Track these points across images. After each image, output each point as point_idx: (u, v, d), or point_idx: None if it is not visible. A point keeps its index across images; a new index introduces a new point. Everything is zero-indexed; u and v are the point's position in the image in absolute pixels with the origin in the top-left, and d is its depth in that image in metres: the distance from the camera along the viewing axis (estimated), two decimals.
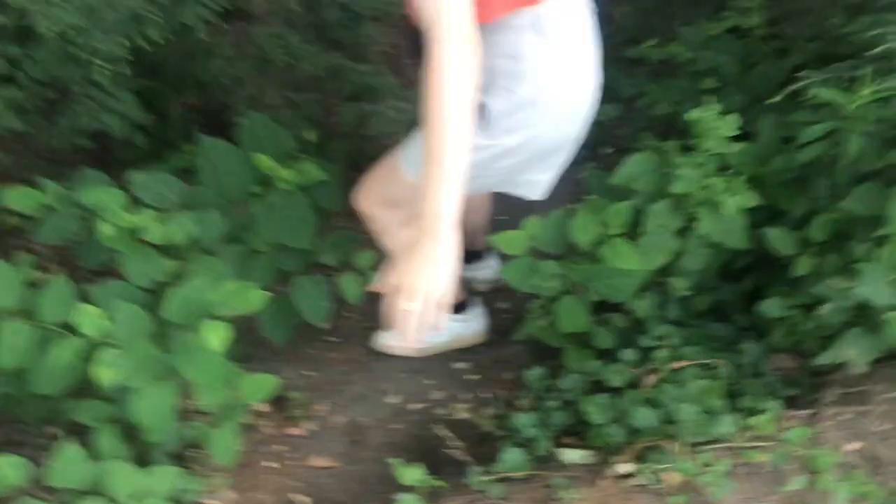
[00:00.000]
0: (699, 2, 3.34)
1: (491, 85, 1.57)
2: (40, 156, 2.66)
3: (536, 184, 1.85)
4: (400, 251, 1.43)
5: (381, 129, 2.51)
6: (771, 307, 1.93)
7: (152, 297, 1.82)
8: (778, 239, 1.91)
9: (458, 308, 2.25)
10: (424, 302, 1.33)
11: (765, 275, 2.08)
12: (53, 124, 2.65)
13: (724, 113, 1.89)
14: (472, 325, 2.32)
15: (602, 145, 2.84)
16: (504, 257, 2.14)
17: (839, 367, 1.90)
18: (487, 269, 2.47)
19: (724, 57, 2.86)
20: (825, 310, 1.79)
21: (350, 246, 2.09)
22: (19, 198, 1.89)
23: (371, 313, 2.30)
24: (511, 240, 2.02)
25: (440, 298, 1.35)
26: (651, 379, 1.88)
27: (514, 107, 1.60)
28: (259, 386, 1.83)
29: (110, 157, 2.55)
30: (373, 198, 1.90)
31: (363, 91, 2.71)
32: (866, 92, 1.75)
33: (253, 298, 1.77)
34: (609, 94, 3.18)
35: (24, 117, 2.58)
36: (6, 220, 2.48)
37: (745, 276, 2.13)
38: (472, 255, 2.39)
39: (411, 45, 1.64)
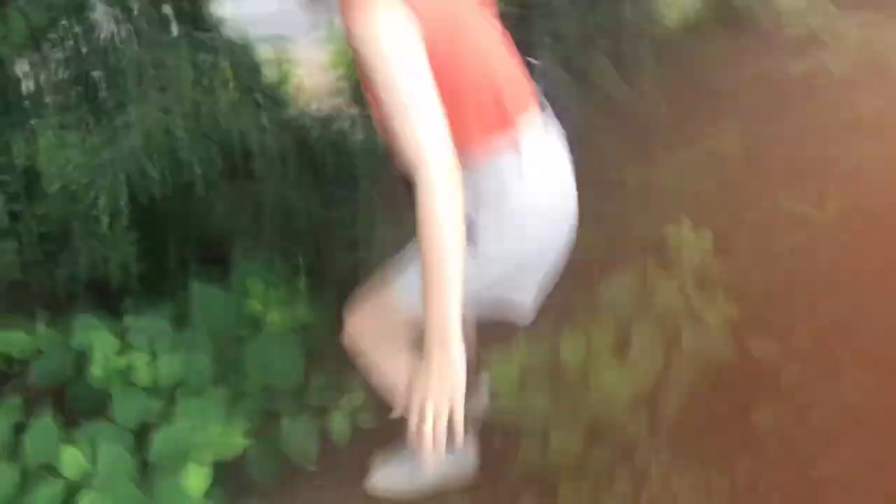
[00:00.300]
0: (678, 127, 3.52)
1: (479, 202, 1.65)
2: (38, 299, 2.72)
3: (523, 305, 1.90)
4: (407, 375, 1.45)
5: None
6: (764, 418, 1.92)
7: (138, 438, 1.82)
8: (762, 349, 1.94)
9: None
10: (449, 412, 1.36)
11: (756, 388, 2.08)
12: (52, 274, 2.73)
13: (698, 229, 1.95)
14: (463, 463, 2.30)
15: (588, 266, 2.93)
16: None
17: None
18: (479, 403, 2.47)
19: (701, 179, 2.98)
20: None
21: (337, 387, 2.11)
22: (11, 341, 1.92)
23: (360, 454, 2.28)
24: (503, 365, 2.04)
25: (460, 407, 1.37)
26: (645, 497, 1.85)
27: (501, 221, 1.69)
28: None
29: (107, 302, 2.60)
30: (365, 333, 1.92)
31: (356, 242, 2.80)
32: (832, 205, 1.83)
33: (236, 442, 1.78)
34: (589, 216, 3.34)
35: (25, 268, 2.67)
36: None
37: (737, 389, 2.12)
38: None
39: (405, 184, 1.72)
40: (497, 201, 1.68)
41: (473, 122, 1.63)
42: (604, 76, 3.27)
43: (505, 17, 1.98)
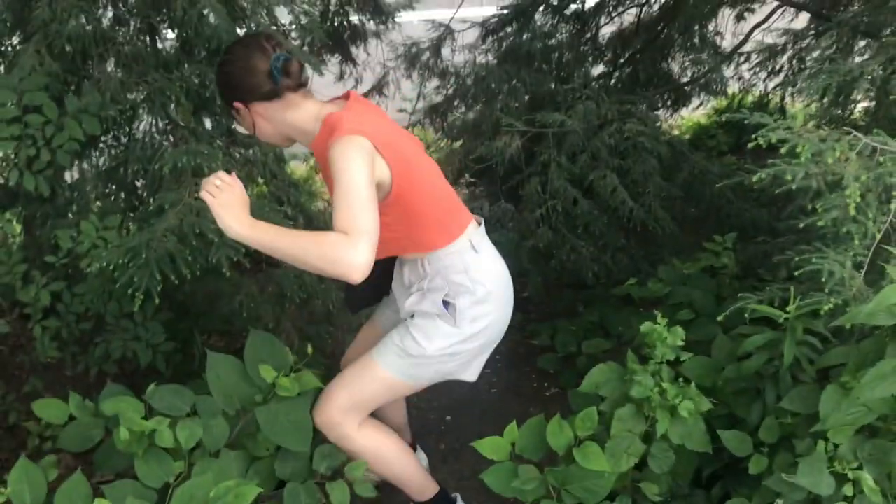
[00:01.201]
0: (679, 246, 3.72)
1: (455, 291, 2.15)
2: (71, 381, 2.92)
3: (475, 368, 2.33)
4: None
5: None
6: None
7: (161, 494, 1.99)
8: (732, 441, 2.09)
9: None
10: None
11: (733, 481, 2.22)
12: (87, 352, 2.95)
13: (672, 325, 2.13)
14: None
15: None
16: (487, 463, 2.30)
17: None
18: (420, 461, 2.68)
19: (698, 292, 3.16)
20: None
21: (341, 456, 2.27)
22: (47, 409, 2.12)
23: None
24: (493, 446, 2.20)
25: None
26: None
27: (476, 301, 2.16)
28: None
29: (134, 383, 2.80)
30: (336, 408, 2.23)
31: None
32: (792, 307, 2.01)
33: (248, 494, 1.93)
34: (602, 331, 3.53)
35: (62, 347, 2.89)
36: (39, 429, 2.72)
37: (715, 483, 2.26)
38: None
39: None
40: (471, 289, 2.15)
41: (435, 231, 2.14)
42: (612, 193, 3.51)
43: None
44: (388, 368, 2.21)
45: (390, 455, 2.32)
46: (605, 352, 3.32)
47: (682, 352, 2.18)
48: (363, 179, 1.87)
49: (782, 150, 1.96)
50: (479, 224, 2.29)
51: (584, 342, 3.45)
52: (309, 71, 3.39)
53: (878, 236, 1.96)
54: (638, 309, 3.47)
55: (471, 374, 2.33)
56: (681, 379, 2.18)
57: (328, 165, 1.93)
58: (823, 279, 1.93)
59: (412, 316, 2.21)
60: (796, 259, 2.06)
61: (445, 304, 2.14)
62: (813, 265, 1.98)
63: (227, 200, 1.96)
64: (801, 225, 2.05)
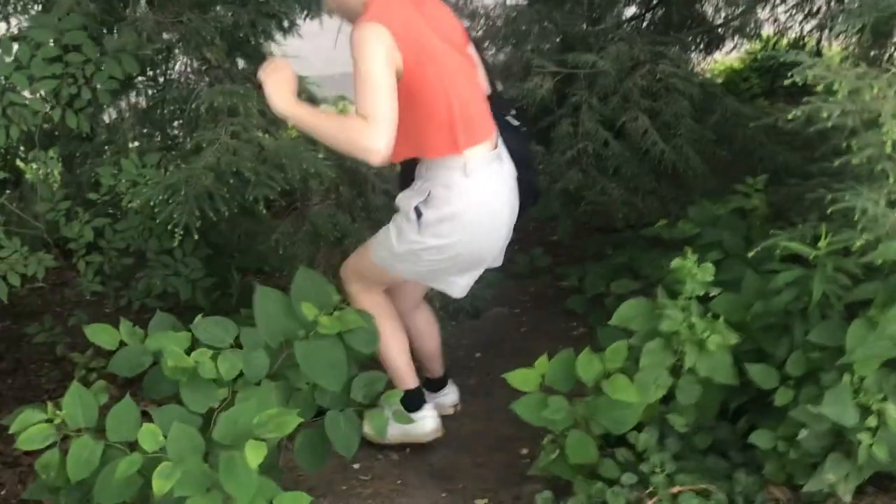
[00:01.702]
0: (710, 189, 3.72)
1: (428, 200, 2.24)
2: (113, 313, 3.00)
3: (454, 284, 2.47)
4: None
5: None
6: (760, 438, 2.11)
7: (205, 419, 2.08)
8: (759, 374, 2.13)
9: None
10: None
11: (758, 414, 2.26)
12: (128, 287, 3.04)
13: (701, 262, 2.16)
14: (424, 425, 2.61)
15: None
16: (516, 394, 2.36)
17: (829, 497, 2.04)
18: (450, 395, 2.86)
19: (727, 233, 3.17)
20: (803, 435, 1.97)
21: (377, 385, 2.34)
22: (99, 333, 2.21)
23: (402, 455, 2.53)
24: (523, 377, 2.26)
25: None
26: (651, 502, 2.04)
27: (441, 218, 2.25)
28: (293, 502, 2.03)
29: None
30: (349, 269, 2.53)
31: None
32: (823, 244, 2.03)
33: (289, 423, 2.01)
34: (630, 273, 3.56)
35: (105, 282, 2.98)
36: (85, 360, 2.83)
37: (741, 416, 2.31)
38: (432, 383, 2.80)
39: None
40: (442, 204, 2.23)
41: (439, 137, 2.19)
42: (644, 135, 3.50)
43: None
44: (373, 253, 2.43)
45: (382, 333, 2.42)
46: (633, 292, 3.33)
47: (711, 288, 2.21)
48: (380, 65, 2.00)
49: (819, 88, 1.96)
50: (494, 148, 2.30)
51: (612, 283, 3.48)
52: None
53: None
54: (667, 250, 3.49)
55: (452, 290, 2.49)
56: (709, 314, 2.21)
57: None
58: (856, 216, 1.94)
59: (397, 210, 2.34)
60: (829, 197, 2.07)
61: (417, 210, 2.25)
62: (846, 202, 1.99)
63: (277, 80, 2.13)
64: (835, 164, 2.05)
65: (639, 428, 2.24)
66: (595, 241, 4.19)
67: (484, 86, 2.40)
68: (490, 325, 3.50)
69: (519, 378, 2.26)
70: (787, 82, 2.02)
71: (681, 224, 3.36)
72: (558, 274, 3.96)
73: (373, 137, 1.94)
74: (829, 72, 1.95)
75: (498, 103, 2.41)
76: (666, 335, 2.17)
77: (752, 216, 3.32)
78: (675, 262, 2.16)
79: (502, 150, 2.34)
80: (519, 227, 2.52)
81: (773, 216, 3.30)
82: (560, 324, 3.54)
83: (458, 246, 2.29)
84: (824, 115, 1.94)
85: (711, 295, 2.26)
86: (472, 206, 2.25)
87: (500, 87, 2.27)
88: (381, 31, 2.02)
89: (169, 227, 2.62)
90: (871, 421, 1.92)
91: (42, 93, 2.74)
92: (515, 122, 2.43)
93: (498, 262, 2.55)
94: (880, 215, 1.92)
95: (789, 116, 2.01)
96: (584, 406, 2.21)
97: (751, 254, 2.29)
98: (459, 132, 2.19)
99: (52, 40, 2.73)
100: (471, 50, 2.37)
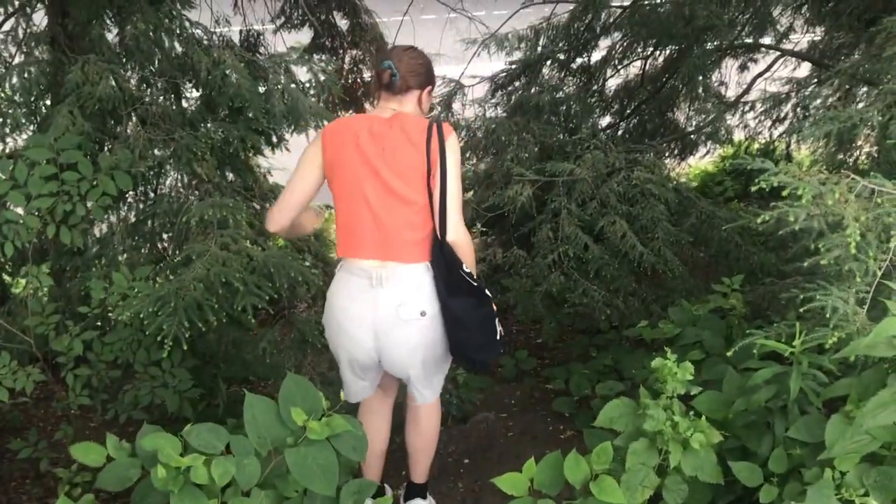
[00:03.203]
0: (689, 289, 3.81)
1: None
2: (100, 426, 3.00)
3: (349, 387, 2.65)
4: None
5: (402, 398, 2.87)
6: None
7: None
8: (743, 472, 2.16)
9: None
10: None
11: None
12: (116, 399, 3.04)
13: (680, 361, 2.21)
14: None
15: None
16: (505, 500, 2.36)
17: None
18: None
19: (707, 333, 3.23)
20: None
21: (367, 493, 2.34)
22: (85, 452, 2.21)
23: None
24: (512, 482, 2.27)
25: None
26: None
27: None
28: None
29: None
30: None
31: None
32: (797, 342, 2.10)
33: None
34: (615, 374, 3.60)
35: (92, 395, 2.99)
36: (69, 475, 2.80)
37: None
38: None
39: None
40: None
41: (340, 236, 2.46)
42: (622, 238, 3.61)
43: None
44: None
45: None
46: (618, 393, 3.38)
47: (693, 387, 2.26)
48: (301, 161, 2.46)
49: (784, 193, 2.06)
50: (373, 265, 2.39)
51: (598, 385, 3.52)
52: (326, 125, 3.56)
53: (879, 273, 2.05)
54: (650, 351, 3.55)
55: (345, 391, 2.62)
56: (692, 413, 2.25)
57: None
58: (828, 315, 2.01)
59: None
60: (801, 297, 2.15)
61: None
62: (817, 301, 2.07)
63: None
64: (805, 264, 2.14)
65: None
66: (579, 343, 4.25)
67: (422, 227, 2.41)
68: (478, 431, 3.51)
69: (508, 482, 2.27)
70: (754, 189, 2.12)
71: (662, 325, 3.43)
72: (544, 376, 3.99)
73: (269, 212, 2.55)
74: (793, 178, 2.06)
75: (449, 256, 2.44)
76: (650, 435, 2.20)
77: (731, 315, 3.39)
78: (656, 362, 2.21)
79: (389, 275, 2.38)
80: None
81: (751, 315, 3.38)
82: (548, 427, 3.55)
83: (332, 341, 2.58)
84: (791, 218, 2.04)
85: (693, 394, 2.30)
86: (329, 308, 2.52)
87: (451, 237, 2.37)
88: (319, 134, 2.45)
89: (158, 338, 2.65)
90: None
91: (37, 210, 2.81)
92: (472, 281, 2.42)
93: (398, 370, 2.54)
94: (850, 313, 1.99)
95: (759, 220, 2.11)
96: None
97: (730, 353, 2.35)
98: (351, 240, 2.43)
99: (47, 159, 2.82)
100: (411, 193, 2.38)
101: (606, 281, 3.73)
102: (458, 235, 2.36)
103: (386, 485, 2.88)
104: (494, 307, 2.48)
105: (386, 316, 2.39)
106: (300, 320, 3.25)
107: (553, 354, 4.31)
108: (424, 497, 2.79)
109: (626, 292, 3.76)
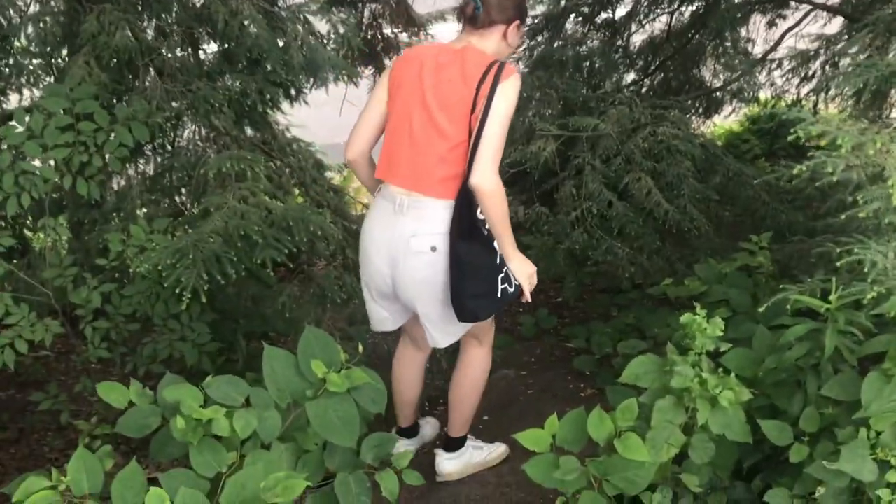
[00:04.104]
0: (715, 248, 3.74)
1: None
2: (119, 379, 2.99)
3: (372, 314, 2.69)
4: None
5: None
6: (777, 497, 2.07)
7: (213, 483, 2.05)
8: (773, 431, 2.11)
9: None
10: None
11: (774, 473, 2.23)
12: (135, 353, 3.03)
13: (710, 317, 2.15)
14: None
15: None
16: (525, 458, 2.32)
17: None
18: (428, 429, 3.09)
19: (734, 291, 3.17)
20: (821, 493, 1.94)
21: (388, 446, 2.31)
22: (110, 392, 2.19)
23: None
24: (534, 437, 2.23)
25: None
26: None
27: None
28: None
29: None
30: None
31: None
32: (833, 297, 2.03)
33: (297, 486, 1.97)
34: (637, 332, 3.55)
35: (111, 348, 2.97)
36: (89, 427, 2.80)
37: (756, 475, 2.27)
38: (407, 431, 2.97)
39: None
40: None
41: (381, 160, 2.47)
42: (647, 195, 3.54)
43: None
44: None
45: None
46: (641, 352, 3.33)
47: (722, 343, 2.20)
48: (376, 85, 2.52)
49: (823, 143, 1.99)
50: (400, 192, 2.40)
51: (619, 343, 3.47)
52: (345, 80, 3.49)
53: None
54: (673, 310, 3.49)
55: (371, 319, 2.71)
56: (720, 370, 2.20)
57: None
58: (866, 269, 1.94)
59: None
60: (837, 251, 2.08)
61: None
62: (855, 255, 2.00)
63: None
64: (843, 217, 2.07)
65: (652, 488, 2.20)
66: (601, 302, 4.19)
67: (455, 165, 2.36)
68: (497, 388, 3.48)
69: (530, 438, 2.23)
70: (790, 138, 2.04)
71: (687, 282, 3.37)
72: (565, 335, 3.95)
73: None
74: (831, 127, 1.98)
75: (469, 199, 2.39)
76: (677, 392, 2.15)
77: (758, 274, 3.33)
78: (685, 318, 2.15)
79: (412, 204, 2.39)
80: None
81: (778, 273, 3.31)
82: (568, 385, 3.52)
83: (362, 265, 2.59)
84: (829, 169, 1.96)
85: (721, 351, 2.24)
86: (363, 231, 2.55)
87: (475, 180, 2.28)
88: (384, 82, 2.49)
89: (176, 291, 2.62)
90: (891, 476, 1.88)
91: (53, 161, 2.77)
92: (483, 230, 2.39)
93: (410, 304, 2.54)
94: (890, 268, 1.92)
95: (794, 171, 2.03)
96: (596, 466, 2.18)
97: (761, 309, 2.28)
98: (391, 164, 2.44)
99: (63, 109, 2.78)
100: (451, 128, 2.33)
101: (630, 239, 3.66)
102: (484, 182, 2.27)
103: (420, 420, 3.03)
104: (505, 268, 2.46)
105: (399, 244, 2.40)
106: (319, 275, 3.21)
107: (573, 313, 4.26)
108: (449, 451, 2.83)
109: (651, 250, 3.69)
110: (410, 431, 2.96)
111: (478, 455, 2.87)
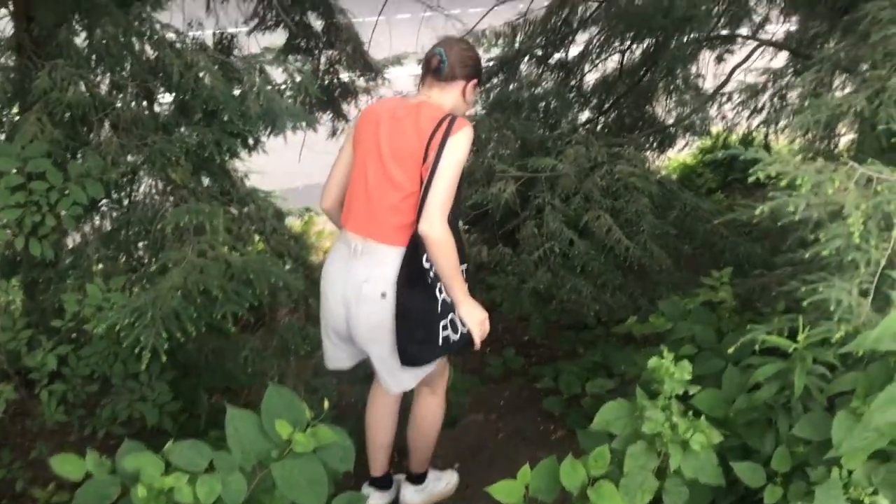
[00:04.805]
0: (676, 282, 3.76)
1: None
2: (77, 443, 2.91)
3: (327, 352, 2.67)
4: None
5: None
6: None
7: None
8: (746, 472, 2.10)
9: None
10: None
11: None
12: (93, 415, 2.94)
13: (677, 360, 2.15)
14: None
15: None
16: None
17: None
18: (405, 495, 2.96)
19: (699, 327, 3.18)
20: None
21: None
22: (64, 464, 2.10)
23: None
24: (507, 489, 2.19)
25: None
26: None
27: None
28: None
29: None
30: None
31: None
32: (801, 337, 2.05)
33: None
34: (604, 371, 3.55)
35: (69, 411, 2.88)
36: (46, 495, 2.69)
37: None
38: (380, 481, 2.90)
39: None
40: None
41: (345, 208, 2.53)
42: (607, 232, 3.56)
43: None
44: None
45: None
46: (609, 391, 3.33)
47: (690, 385, 2.19)
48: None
49: (782, 183, 2.01)
50: (356, 237, 2.45)
51: (588, 382, 3.46)
52: (303, 126, 3.47)
53: (883, 262, 1.99)
54: (640, 346, 3.50)
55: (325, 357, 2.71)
56: (691, 412, 2.19)
57: None
58: (832, 307, 1.96)
59: None
60: (802, 289, 2.09)
61: None
62: (820, 294, 2.01)
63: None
64: (806, 255, 2.08)
65: None
66: (567, 338, 4.19)
67: (407, 214, 2.40)
68: (468, 433, 3.44)
69: (503, 490, 2.19)
70: (750, 180, 2.06)
71: (652, 319, 3.37)
72: (532, 374, 3.93)
73: None
74: (790, 167, 2.00)
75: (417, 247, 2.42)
76: (648, 437, 2.13)
77: (721, 308, 3.35)
78: (653, 362, 2.15)
79: (366, 250, 2.43)
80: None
81: (740, 307, 3.34)
82: (538, 427, 3.49)
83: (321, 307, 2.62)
84: (791, 208, 1.98)
85: (691, 393, 2.24)
86: (325, 264, 2.59)
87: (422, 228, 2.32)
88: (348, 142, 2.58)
89: (135, 350, 2.55)
90: None
91: (4, 221, 2.70)
92: (428, 278, 2.42)
93: (363, 347, 2.54)
94: (855, 305, 1.94)
95: (756, 212, 2.05)
96: None
97: (730, 350, 2.29)
98: (347, 214, 2.52)
99: (14, 169, 2.71)
100: (403, 178, 2.38)
101: (593, 276, 3.68)
102: (432, 230, 2.30)
103: (394, 476, 2.96)
104: (450, 316, 2.49)
105: (353, 288, 2.45)
106: (282, 326, 3.16)
107: (540, 352, 4.25)
108: (415, 483, 2.90)
109: (614, 287, 3.71)
110: (383, 482, 2.89)
111: (438, 486, 2.96)
